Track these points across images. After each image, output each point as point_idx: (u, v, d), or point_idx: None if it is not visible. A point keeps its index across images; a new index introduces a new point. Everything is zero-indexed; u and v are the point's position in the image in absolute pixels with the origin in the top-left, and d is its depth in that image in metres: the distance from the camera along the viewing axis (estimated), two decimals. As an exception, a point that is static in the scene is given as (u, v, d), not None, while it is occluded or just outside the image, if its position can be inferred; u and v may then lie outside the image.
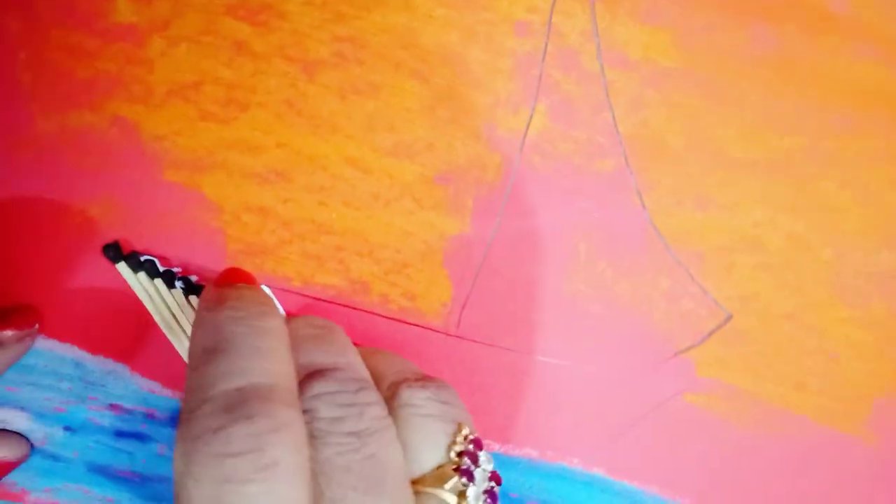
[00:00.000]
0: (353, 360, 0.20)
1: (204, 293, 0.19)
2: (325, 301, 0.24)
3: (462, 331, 0.24)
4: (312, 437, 0.17)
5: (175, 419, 0.25)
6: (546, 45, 0.21)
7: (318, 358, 0.19)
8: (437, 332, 0.24)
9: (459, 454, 0.19)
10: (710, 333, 0.24)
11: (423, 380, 0.20)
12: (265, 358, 0.16)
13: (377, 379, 0.20)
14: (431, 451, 0.19)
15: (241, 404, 0.15)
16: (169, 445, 0.26)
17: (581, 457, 0.25)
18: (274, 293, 0.24)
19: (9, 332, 0.23)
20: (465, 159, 0.22)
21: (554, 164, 0.22)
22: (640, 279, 0.23)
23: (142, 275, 0.24)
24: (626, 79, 0.21)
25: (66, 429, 0.26)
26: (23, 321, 0.23)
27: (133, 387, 0.25)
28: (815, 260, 0.23)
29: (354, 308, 0.24)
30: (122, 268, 0.23)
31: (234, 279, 0.19)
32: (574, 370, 0.24)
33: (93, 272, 0.23)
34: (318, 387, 0.18)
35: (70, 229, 0.23)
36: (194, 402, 0.15)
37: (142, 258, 0.23)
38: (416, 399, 0.19)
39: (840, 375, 0.24)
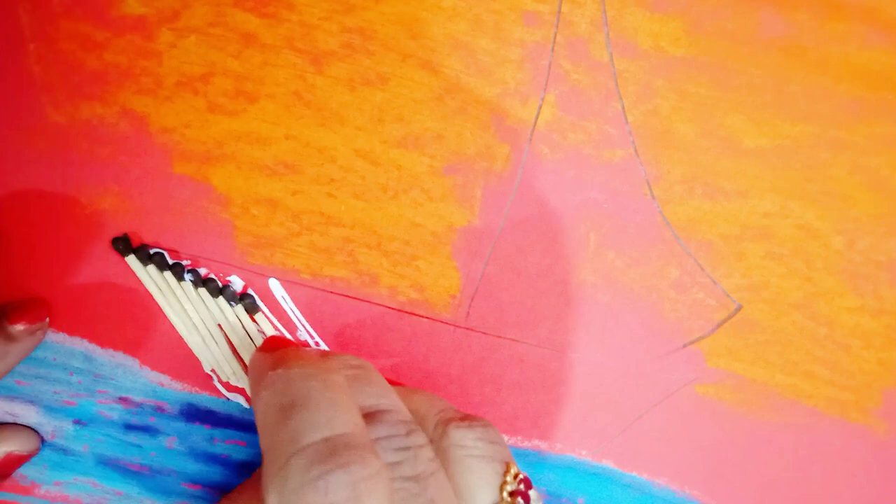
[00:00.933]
0: (395, 400, 0.20)
1: (258, 358, 0.19)
2: (334, 293, 0.24)
3: (471, 322, 0.24)
4: None
5: (184, 412, 0.25)
6: (555, 34, 0.21)
7: (366, 401, 0.19)
8: (446, 323, 0.24)
9: (512, 493, 0.19)
10: (720, 324, 0.24)
11: (468, 419, 0.20)
12: (341, 409, 0.17)
13: (419, 419, 0.20)
14: (485, 491, 0.19)
15: (333, 454, 0.16)
16: (178, 438, 0.26)
17: (590, 448, 0.25)
18: (283, 286, 0.24)
19: (20, 326, 0.23)
20: (473, 150, 0.22)
21: (563, 154, 0.22)
22: (650, 269, 0.23)
23: (151, 268, 0.24)
24: (635, 68, 0.21)
25: (76, 422, 0.26)
26: (34, 315, 0.23)
27: (142, 380, 0.25)
28: (825, 248, 0.23)
29: (363, 300, 0.24)
30: (132, 260, 0.23)
31: (281, 344, 0.20)
32: (583, 361, 0.24)
33: (102, 265, 0.23)
34: (372, 432, 0.17)
35: (80, 221, 0.23)
36: (283, 456, 0.16)
37: (151, 251, 0.23)
38: (467, 440, 0.19)
39: (850, 365, 0.24)
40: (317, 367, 0.18)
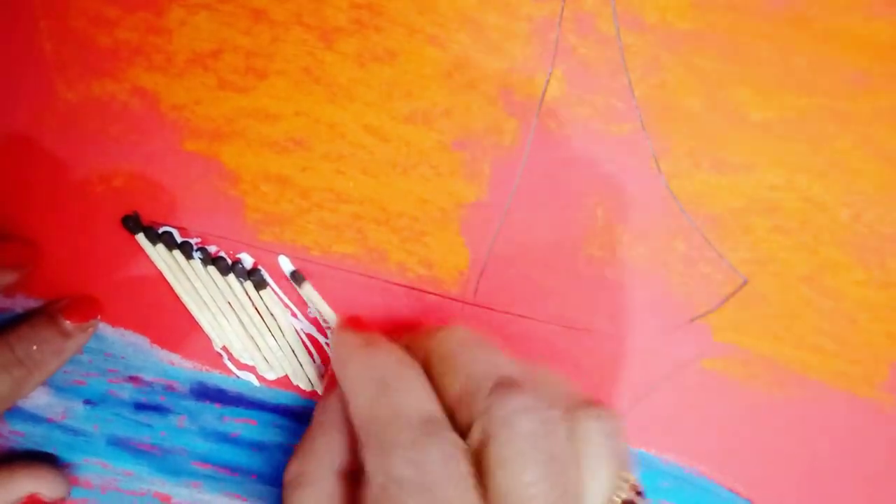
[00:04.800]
0: (524, 370, 0.20)
1: (341, 336, 0.21)
2: (343, 270, 0.24)
3: (479, 298, 0.24)
4: (514, 457, 0.17)
5: (194, 391, 0.25)
6: (562, 9, 0.21)
7: (498, 365, 0.19)
8: (455, 300, 0.24)
9: (624, 502, 0.19)
10: (727, 298, 0.24)
11: (597, 408, 0.20)
12: (427, 391, 0.19)
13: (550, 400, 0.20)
14: (598, 494, 0.19)
15: (425, 425, 0.18)
16: (188, 417, 0.26)
17: (598, 424, 0.25)
18: (293, 263, 0.24)
19: (75, 323, 0.23)
20: (482, 125, 0.22)
21: (570, 129, 0.22)
22: (657, 244, 0.23)
23: (160, 246, 0.24)
24: (642, 42, 0.22)
25: (87, 402, 0.26)
26: (88, 312, 0.24)
27: (153, 359, 0.25)
28: (832, 221, 0.23)
29: (372, 277, 0.24)
30: (141, 239, 0.24)
31: (361, 325, 0.22)
32: (591, 336, 0.24)
33: (113, 243, 0.24)
34: (517, 400, 0.18)
35: (90, 199, 0.23)
36: (388, 428, 0.18)
37: (160, 229, 0.24)
38: (596, 436, 0.19)
39: (857, 338, 0.24)
40: (402, 353, 0.20)
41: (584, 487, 0.18)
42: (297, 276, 0.24)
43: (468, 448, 0.18)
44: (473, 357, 0.20)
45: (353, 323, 0.22)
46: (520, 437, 0.17)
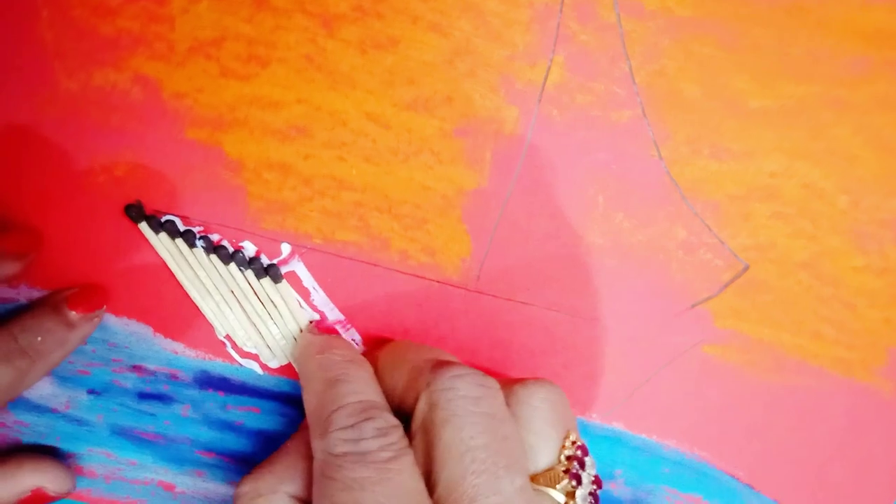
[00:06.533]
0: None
1: (305, 339, 0.24)
2: (345, 258, 0.24)
3: (481, 286, 0.24)
4: (455, 414, 0.19)
5: (198, 379, 0.26)
6: (563, -4, 0.21)
7: (440, 356, 0.21)
8: (456, 287, 0.24)
9: (569, 458, 0.20)
10: (727, 284, 0.24)
11: (536, 379, 0.22)
12: (371, 384, 0.21)
13: None
14: (545, 453, 0.20)
15: (365, 410, 0.20)
16: (192, 406, 0.26)
17: (599, 411, 0.26)
18: (296, 251, 0.24)
19: (80, 313, 0.23)
20: (483, 112, 0.22)
21: (571, 115, 0.22)
22: (657, 230, 0.23)
23: (163, 235, 0.24)
24: (642, 29, 0.22)
25: (91, 392, 0.26)
26: (93, 302, 0.24)
27: (156, 348, 0.25)
28: (831, 207, 0.23)
29: (374, 265, 0.24)
30: (144, 228, 0.24)
31: (324, 329, 0.25)
32: (592, 323, 0.25)
33: (115, 232, 0.24)
34: (455, 370, 0.20)
35: (93, 189, 0.23)
36: (327, 411, 0.20)
37: (162, 218, 0.24)
38: (535, 399, 0.21)
39: (856, 324, 0.24)
40: (354, 354, 0.22)
41: (530, 446, 0.20)
42: (274, 272, 0.24)
43: (401, 425, 0.20)
44: (417, 351, 0.22)
45: (319, 327, 0.25)
46: (459, 398, 0.19)
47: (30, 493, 0.24)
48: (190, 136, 0.23)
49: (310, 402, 0.21)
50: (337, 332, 0.25)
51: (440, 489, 0.18)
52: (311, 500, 0.19)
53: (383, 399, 0.21)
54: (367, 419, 0.19)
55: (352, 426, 0.19)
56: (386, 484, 0.18)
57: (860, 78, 0.22)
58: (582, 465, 0.20)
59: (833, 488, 0.26)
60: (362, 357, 0.23)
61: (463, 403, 0.19)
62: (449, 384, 0.19)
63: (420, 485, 0.18)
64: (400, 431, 0.19)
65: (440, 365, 0.20)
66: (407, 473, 0.18)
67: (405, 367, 0.21)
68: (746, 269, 0.24)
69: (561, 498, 0.19)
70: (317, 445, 0.20)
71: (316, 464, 0.19)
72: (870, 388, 0.25)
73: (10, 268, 0.23)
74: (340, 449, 0.19)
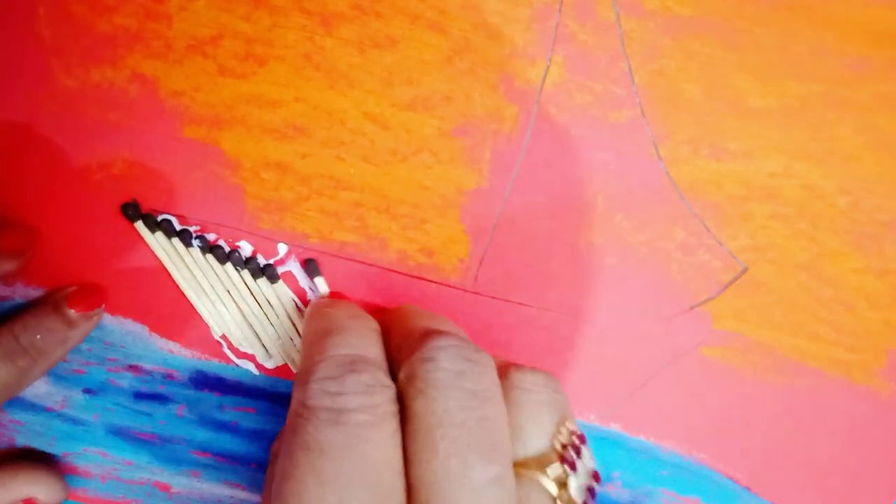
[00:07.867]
0: (464, 335, 0.20)
1: (317, 302, 0.23)
2: (343, 258, 0.24)
3: (479, 286, 0.24)
4: (432, 387, 0.17)
5: (193, 379, 0.25)
6: (562, -5, 0.21)
7: (436, 324, 0.20)
8: (455, 288, 0.24)
9: (564, 445, 0.19)
10: (727, 285, 0.24)
11: (533, 367, 0.20)
12: (371, 341, 0.20)
13: None
14: (537, 437, 0.19)
15: (353, 363, 0.18)
16: (187, 406, 0.26)
17: (598, 412, 0.26)
18: (292, 251, 0.24)
19: (80, 312, 0.23)
20: (482, 112, 0.22)
21: (570, 115, 0.22)
22: (657, 231, 0.23)
23: (160, 233, 0.24)
24: (641, 28, 0.22)
25: (86, 391, 0.26)
26: (93, 300, 0.24)
27: (152, 347, 0.25)
28: (830, 208, 0.23)
29: (372, 265, 0.24)
30: (140, 226, 0.24)
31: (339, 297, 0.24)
32: (591, 325, 0.24)
33: (111, 231, 0.24)
34: (442, 340, 0.18)
35: (89, 187, 0.23)
36: (312, 362, 0.18)
37: (159, 217, 0.23)
38: (528, 383, 0.19)
39: (855, 326, 0.24)
40: (359, 312, 0.21)
41: (521, 427, 0.19)
42: (271, 272, 0.24)
43: (394, 387, 0.18)
44: (417, 316, 0.21)
45: (332, 296, 0.24)
46: (440, 371, 0.18)
47: (21, 503, 0.24)
48: (187, 134, 0.23)
49: (303, 355, 0.19)
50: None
51: (412, 468, 0.17)
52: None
53: (383, 358, 0.19)
54: (352, 371, 0.17)
55: (334, 378, 0.17)
56: (352, 453, 0.16)
57: (862, 77, 0.22)
58: (578, 452, 0.19)
59: (832, 490, 0.26)
60: (369, 316, 0.21)
61: (443, 376, 0.17)
62: (431, 355, 0.18)
63: (394, 460, 0.17)
64: (389, 394, 0.18)
65: (428, 334, 0.19)
66: (381, 446, 0.16)
67: (401, 328, 0.20)
68: (745, 270, 0.24)
69: (552, 486, 0.18)
70: (294, 395, 0.18)
71: (288, 414, 0.18)
72: (869, 390, 0.25)
73: (6, 266, 0.23)
74: (315, 401, 0.17)
